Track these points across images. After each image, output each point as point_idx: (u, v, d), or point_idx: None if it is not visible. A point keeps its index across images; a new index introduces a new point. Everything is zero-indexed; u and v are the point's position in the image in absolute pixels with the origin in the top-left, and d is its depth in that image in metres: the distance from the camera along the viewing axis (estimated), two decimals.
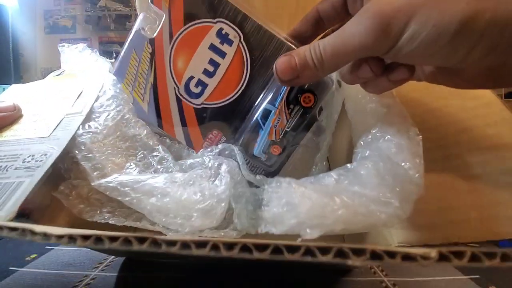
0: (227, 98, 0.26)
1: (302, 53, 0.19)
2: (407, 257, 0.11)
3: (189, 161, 0.25)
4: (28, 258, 0.37)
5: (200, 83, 0.26)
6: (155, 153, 0.25)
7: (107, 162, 0.22)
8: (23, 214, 0.17)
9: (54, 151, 0.21)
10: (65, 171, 0.22)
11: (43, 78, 0.31)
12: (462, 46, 0.15)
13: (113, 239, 0.12)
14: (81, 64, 0.29)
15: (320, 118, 0.27)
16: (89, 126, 0.23)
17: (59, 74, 0.30)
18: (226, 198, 0.21)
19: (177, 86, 0.26)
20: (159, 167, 0.24)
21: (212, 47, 0.25)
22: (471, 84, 0.19)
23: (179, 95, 0.27)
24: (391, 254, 0.11)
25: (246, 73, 0.26)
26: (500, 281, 0.32)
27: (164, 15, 0.25)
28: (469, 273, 0.33)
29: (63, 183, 0.21)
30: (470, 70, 0.18)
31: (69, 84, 0.27)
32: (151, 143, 0.25)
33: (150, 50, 0.26)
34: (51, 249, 0.40)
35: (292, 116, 0.25)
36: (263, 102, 0.26)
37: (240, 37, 0.25)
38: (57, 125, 0.23)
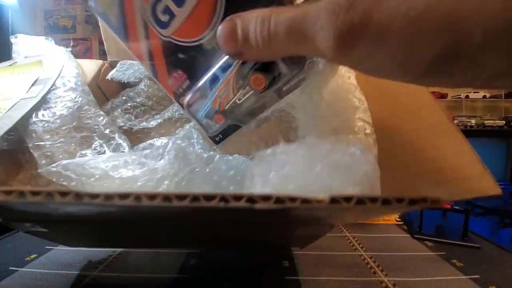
0: (196, 39, 0.22)
1: (246, 24, 0.16)
2: (305, 201, 0.12)
3: (142, 145, 0.25)
4: (28, 258, 0.37)
5: (167, 10, 0.21)
6: (111, 141, 0.25)
7: (58, 150, 0.22)
8: None
9: (6, 126, 0.21)
10: (26, 162, 0.22)
11: None
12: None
13: (35, 193, 0.11)
14: (36, 53, 0.29)
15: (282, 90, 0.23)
16: (43, 115, 0.23)
17: (10, 65, 0.29)
18: (168, 174, 0.20)
19: (143, 5, 0.21)
20: (112, 154, 0.24)
21: None
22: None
23: (145, 18, 0.22)
24: (293, 199, 0.12)
25: (220, 10, 0.20)
26: (500, 281, 0.32)
27: None
28: (469, 273, 0.33)
29: (22, 172, 0.21)
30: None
31: (25, 72, 0.27)
32: (108, 132, 0.25)
33: None
34: (51, 249, 0.40)
35: (239, 92, 0.22)
36: (219, 62, 0.22)
37: None
38: (12, 107, 0.23)
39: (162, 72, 0.24)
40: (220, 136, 0.24)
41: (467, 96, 1.59)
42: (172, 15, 0.21)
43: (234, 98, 0.22)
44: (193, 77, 0.23)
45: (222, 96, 0.22)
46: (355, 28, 0.13)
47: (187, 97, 0.24)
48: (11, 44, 0.33)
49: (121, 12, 0.22)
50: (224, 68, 0.22)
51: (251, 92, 0.22)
